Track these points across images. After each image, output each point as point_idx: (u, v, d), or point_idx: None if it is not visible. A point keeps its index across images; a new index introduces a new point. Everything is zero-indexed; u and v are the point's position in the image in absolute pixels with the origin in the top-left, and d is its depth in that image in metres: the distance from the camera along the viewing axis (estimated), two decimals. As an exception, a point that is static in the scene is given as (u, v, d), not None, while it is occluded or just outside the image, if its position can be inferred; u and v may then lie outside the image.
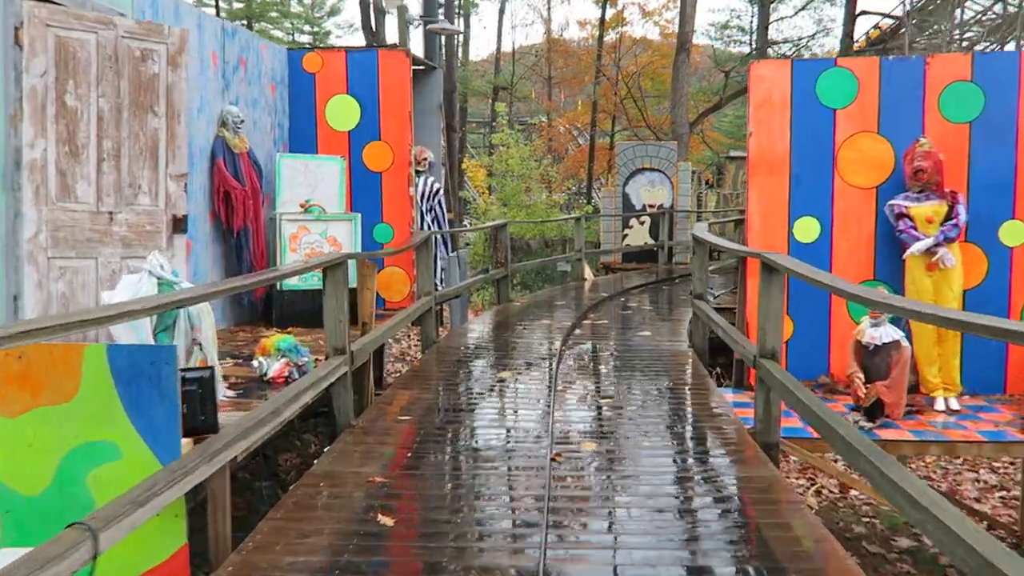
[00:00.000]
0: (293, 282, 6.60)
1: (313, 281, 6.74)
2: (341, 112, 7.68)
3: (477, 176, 21.45)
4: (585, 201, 28.12)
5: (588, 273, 13.60)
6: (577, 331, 8.14)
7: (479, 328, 8.73)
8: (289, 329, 6.59)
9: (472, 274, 9.82)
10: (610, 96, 36.46)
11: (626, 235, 16.34)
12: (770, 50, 23.95)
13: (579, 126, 40.56)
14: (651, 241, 16.18)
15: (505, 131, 20.43)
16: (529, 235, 17.11)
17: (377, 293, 7.81)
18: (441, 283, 8.72)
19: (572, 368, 6.44)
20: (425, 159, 8.62)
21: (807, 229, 5.98)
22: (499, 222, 10.51)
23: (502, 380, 6.09)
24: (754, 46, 25.16)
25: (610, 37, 34.07)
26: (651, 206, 16.24)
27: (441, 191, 8.79)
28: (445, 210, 8.79)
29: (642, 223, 16.32)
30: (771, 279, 4.66)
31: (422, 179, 8.62)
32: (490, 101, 31.48)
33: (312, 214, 6.81)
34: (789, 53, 24.73)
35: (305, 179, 7.15)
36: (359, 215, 6.99)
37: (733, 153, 20.31)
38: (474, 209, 22.73)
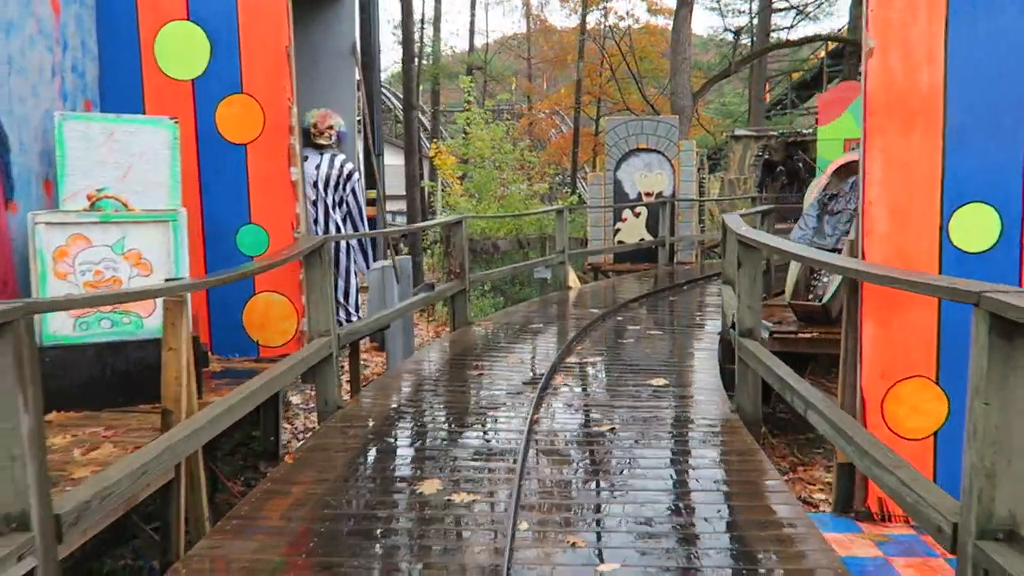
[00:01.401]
0: (65, 332, 3.82)
1: (102, 328, 3.95)
2: (179, 48, 4.87)
3: (447, 164, 18.62)
4: (569, 191, 25.38)
5: (573, 279, 10.87)
6: (557, 379, 5.41)
7: (415, 374, 5.97)
8: (56, 412, 3.79)
9: (416, 291, 7.05)
10: (595, 77, 33.75)
11: (618, 230, 13.61)
12: (775, 17, 21.27)
13: (562, 110, 37.87)
14: (649, 237, 13.45)
15: (473, 110, 17.60)
16: (500, 233, 14.33)
17: (248, 336, 5.06)
18: (356, 312, 5.95)
19: (548, 466, 3.71)
20: (330, 128, 5.84)
21: (976, 227, 3.26)
22: (452, 218, 7.75)
23: (422, 503, 3.35)
24: (755, 13, 22.46)
25: (595, 17, 31.36)
26: (648, 194, 13.52)
27: (357, 177, 6.02)
28: (363, 202, 6.02)
29: (637, 215, 13.59)
30: (1016, 354, 1.94)
31: (326, 157, 5.85)
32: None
33: (97, 212, 4.01)
34: (794, 23, 22.08)
35: (110, 155, 4.35)
36: (183, 213, 4.17)
37: (739, 132, 17.62)
38: (443, 201, 19.87)
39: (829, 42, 21.39)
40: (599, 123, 34.93)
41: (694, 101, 15.43)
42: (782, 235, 9.40)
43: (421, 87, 31.64)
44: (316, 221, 5.77)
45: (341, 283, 5.82)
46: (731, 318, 5.25)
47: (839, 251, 7.70)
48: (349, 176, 5.92)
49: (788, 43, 20.44)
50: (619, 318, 8.19)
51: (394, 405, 5.00)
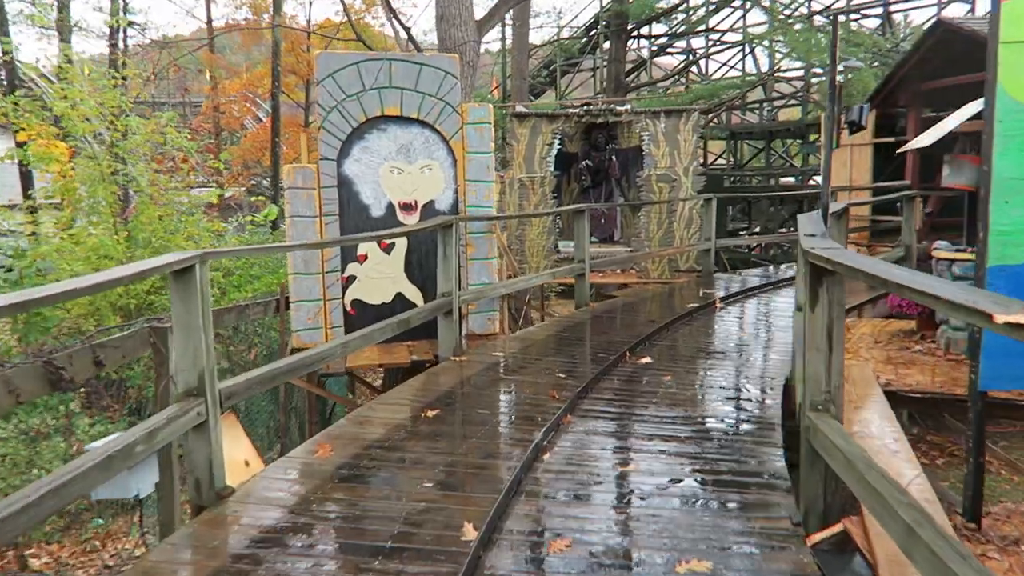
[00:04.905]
0: None
1: None
2: None
3: (48, 150, 10.15)
4: (268, 199, 17.93)
5: (247, 456, 3.92)
6: None
7: None
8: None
9: None
10: (301, 54, 26.46)
11: (352, 280, 6.84)
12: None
13: (260, 97, 29.81)
14: (413, 291, 6.86)
15: (63, 49, 9.46)
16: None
17: None
18: None
19: None
20: None
21: None
22: None
23: None
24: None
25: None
26: (407, 206, 6.91)
27: None
28: None
29: (388, 249, 6.93)
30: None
31: None
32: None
33: None
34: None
35: None
36: None
37: (522, 109, 11.70)
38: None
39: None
40: (310, 111, 27.63)
41: (480, 34, 9.10)
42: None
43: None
44: None
45: None
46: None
47: None
48: None
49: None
50: None
51: None
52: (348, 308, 6.85)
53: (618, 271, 11.21)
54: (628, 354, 6.09)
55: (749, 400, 4.98)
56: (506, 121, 11.66)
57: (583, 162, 11.99)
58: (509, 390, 5.37)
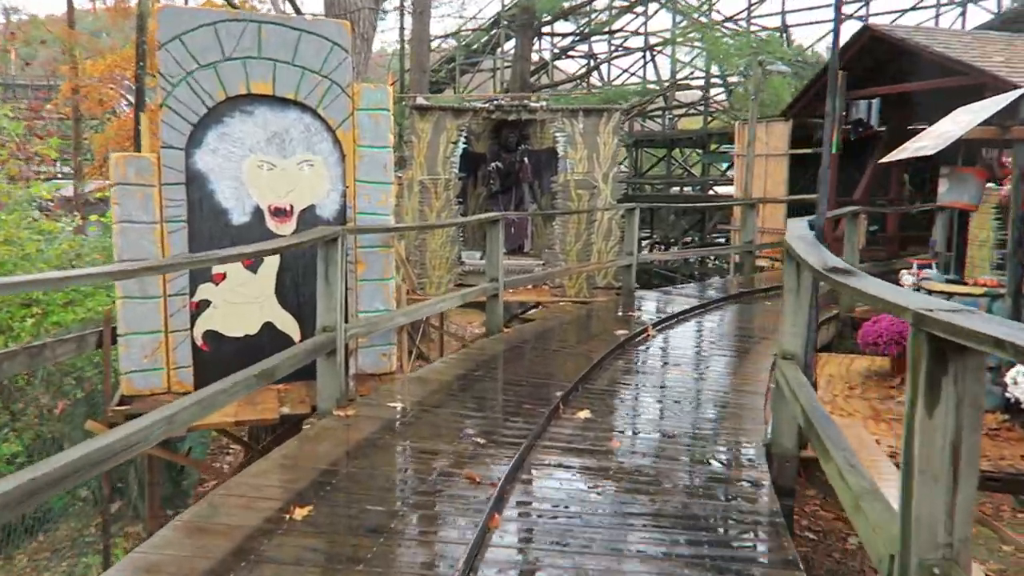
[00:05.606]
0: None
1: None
2: None
3: None
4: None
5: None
6: None
7: None
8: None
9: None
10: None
11: (204, 305, 5.27)
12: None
13: (131, 78, 26.90)
14: (287, 318, 5.38)
15: None
16: None
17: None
18: None
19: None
20: None
21: None
22: None
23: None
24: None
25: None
26: (280, 211, 5.41)
27: None
28: None
29: (254, 267, 5.40)
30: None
31: None
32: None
33: None
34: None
35: None
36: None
37: (423, 101, 10.28)
38: None
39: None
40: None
41: (376, 1, 7.60)
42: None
43: None
44: None
45: None
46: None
47: None
48: None
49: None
50: None
51: None
52: (199, 342, 5.28)
53: (530, 287, 9.99)
54: (561, 406, 4.84)
55: (729, 480, 3.82)
56: (405, 116, 10.23)
57: (492, 164, 10.72)
58: (411, 466, 4.00)
